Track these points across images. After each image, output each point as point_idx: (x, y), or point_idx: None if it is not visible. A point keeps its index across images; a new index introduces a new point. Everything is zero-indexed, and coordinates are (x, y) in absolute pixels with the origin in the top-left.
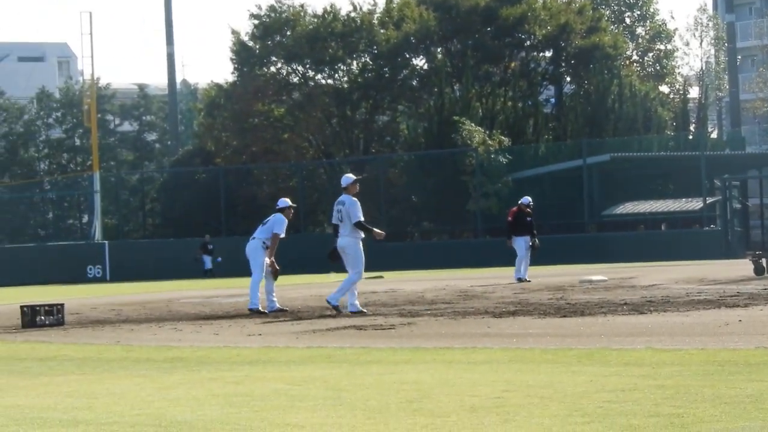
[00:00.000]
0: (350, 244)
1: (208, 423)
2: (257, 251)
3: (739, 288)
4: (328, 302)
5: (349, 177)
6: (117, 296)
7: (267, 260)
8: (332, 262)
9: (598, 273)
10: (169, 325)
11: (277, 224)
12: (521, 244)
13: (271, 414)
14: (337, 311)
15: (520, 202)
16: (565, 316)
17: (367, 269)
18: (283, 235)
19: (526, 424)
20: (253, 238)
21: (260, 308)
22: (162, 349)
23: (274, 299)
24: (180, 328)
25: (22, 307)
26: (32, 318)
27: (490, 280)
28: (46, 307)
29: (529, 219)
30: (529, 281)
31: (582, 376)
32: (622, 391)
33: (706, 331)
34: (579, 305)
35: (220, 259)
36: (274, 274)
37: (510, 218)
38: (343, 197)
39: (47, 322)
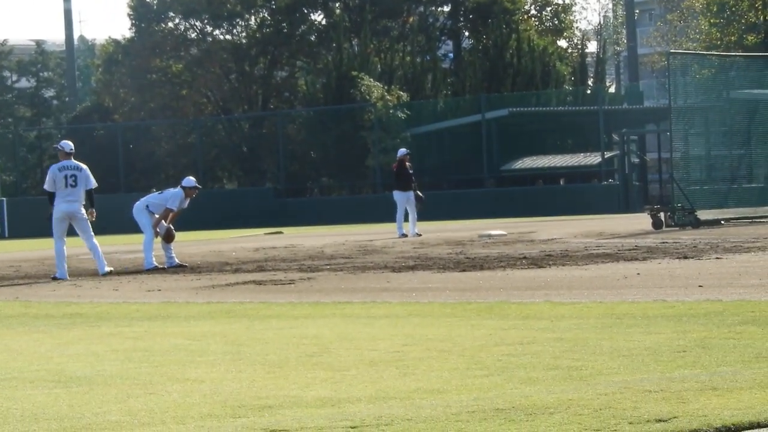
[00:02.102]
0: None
1: (107, 378)
2: (141, 213)
3: (637, 242)
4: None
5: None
6: (15, 253)
7: (154, 227)
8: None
9: (497, 228)
10: (68, 281)
11: (172, 199)
12: (402, 199)
13: (170, 369)
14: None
15: (398, 156)
16: (464, 271)
17: (265, 225)
18: (175, 210)
19: (425, 377)
20: (140, 200)
21: (157, 265)
22: (61, 305)
23: (173, 255)
24: (79, 284)
25: None
26: None
27: (389, 235)
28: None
29: (411, 172)
30: (420, 235)
31: (481, 329)
32: (521, 344)
33: (604, 285)
34: (478, 259)
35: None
36: (169, 238)
37: (395, 172)
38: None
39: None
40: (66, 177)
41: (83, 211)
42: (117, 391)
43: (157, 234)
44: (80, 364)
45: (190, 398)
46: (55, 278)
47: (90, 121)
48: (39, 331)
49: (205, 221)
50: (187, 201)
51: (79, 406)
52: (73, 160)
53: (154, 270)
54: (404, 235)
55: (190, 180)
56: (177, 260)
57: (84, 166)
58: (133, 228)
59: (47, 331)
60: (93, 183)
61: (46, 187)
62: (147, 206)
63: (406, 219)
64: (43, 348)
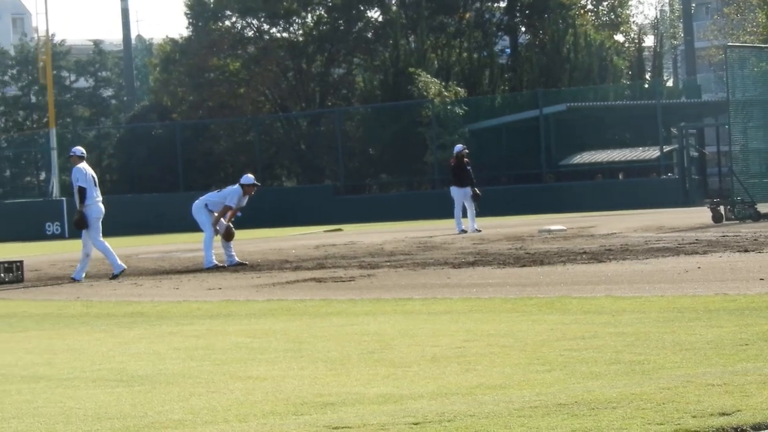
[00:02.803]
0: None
1: (169, 377)
2: (200, 212)
3: (697, 235)
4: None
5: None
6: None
7: (218, 225)
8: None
9: (556, 223)
10: (129, 280)
11: (231, 197)
12: (459, 195)
13: (232, 367)
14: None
15: (455, 152)
16: (524, 266)
17: (325, 223)
18: (234, 208)
19: (487, 372)
20: (199, 199)
21: (217, 263)
22: (122, 304)
23: (233, 253)
24: (140, 283)
25: None
26: None
27: (448, 231)
28: (5, 265)
29: (468, 168)
30: (480, 231)
31: (542, 324)
32: (583, 339)
33: (665, 279)
34: (538, 255)
35: None
36: (229, 236)
37: (452, 168)
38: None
39: (6, 279)
40: (94, 179)
41: None
42: (179, 389)
43: (216, 232)
44: (142, 363)
45: (252, 396)
46: (115, 276)
47: (148, 120)
48: (100, 331)
49: (265, 219)
50: (246, 198)
51: (142, 405)
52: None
53: (214, 268)
54: (463, 231)
55: (249, 177)
56: (237, 258)
57: None
58: (193, 226)
59: (109, 330)
60: None
61: (82, 184)
62: (206, 205)
63: (465, 215)
64: (105, 347)
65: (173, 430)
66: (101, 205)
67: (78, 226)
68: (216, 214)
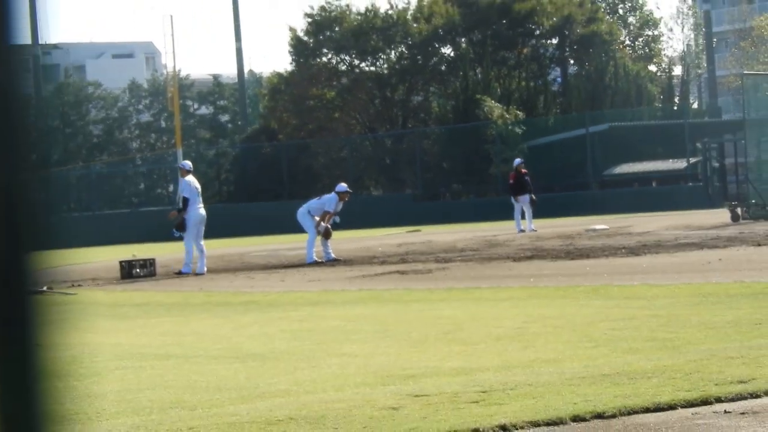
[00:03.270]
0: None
1: (278, 354)
2: (304, 217)
3: (718, 233)
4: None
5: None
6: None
7: (319, 227)
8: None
9: (600, 223)
10: (243, 274)
11: (329, 203)
12: (522, 201)
13: (330, 346)
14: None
15: (515, 165)
16: (573, 259)
17: (406, 225)
18: (332, 212)
19: (543, 349)
20: (303, 206)
21: (317, 259)
22: (237, 294)
23: (330, 251)
24: (252, 277)
25: (120, 262)
26: (129, 271)
27: (510, 231)
28: (141, 262)
29: (527, 178)
30: (536, 231)
31: (589, 308)
32: (623, 320)
33: (692, 269)
34: (585, 250)
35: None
36: (327, 235)
37: (512, 181)
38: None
39: (142, 274)
40: (197, 189)
41: None
42: (285, 364)
43: (318, 233)
44: (254, 343)
45: (347, 370)
46: (179, 273)
47: (258, 140)
48: (219, 317)
49: (356, 222)
50: (341, 204)
51: (254, 377)
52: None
53: (314, 264)
54: (522, 231)
55: (343, 186)
56: (333, 255)
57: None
58: (296, 229)
59: (226, 316)
60: None
61: (186, 194)
62: (309, 211)
63: (524, 217)
64: (224, 330)
65: (280, 399)
66: (202, 212)
67: (179, 229)
68: (317, 218)
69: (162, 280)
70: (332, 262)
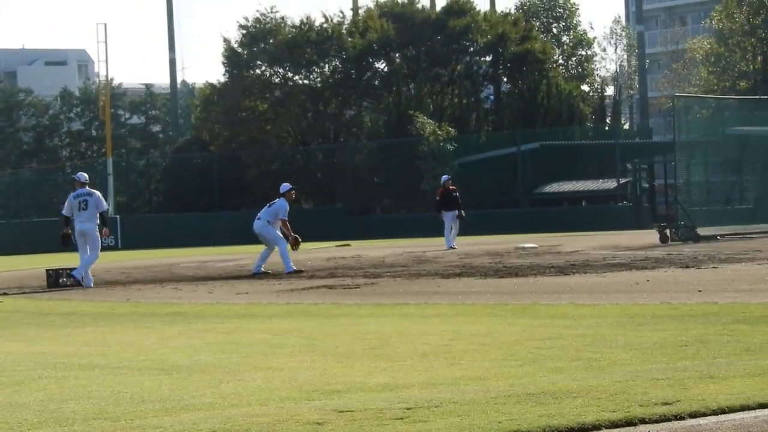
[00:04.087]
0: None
1: (203, 366)
2: (266, 228)
3: (647, 254)
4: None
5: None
6: (127, 261)
7: (289, 236)
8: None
9: (530, 241)
10: (171, 285)
11: (282, 211)
12: (449, 218)
13: (256, 359)
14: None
15: (442, 181)
16: (502, 277)
17: (336, 239)
18: (285, 218)
19: (469, 366)
20: (259, 218)
21: (296, 268)
22: (164, 305)
23: (262, 264)
24: (180, 288)
25: (47, 270)
26: (56, 279)
27: (439, 247)
28: (68, 270)
29: (455, 195)
30: (455, 248)
31: (516, 327)
32: (550, 339)
33: (619, 290)
34: (514, 268)
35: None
36: (295, 245)
37: (438, 197)
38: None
39: (68, 283)
40: (79, 203)
41: (95, 229)
42: (211, 377)
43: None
44: (180, 355)
45: (272, 384)
46: (79, 282)
47: (190, 151)
48: (146, 327)
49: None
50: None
51: (179, 390)
52: (87, 188)
53: (295, 273)
54: (452, 248)
55: (286, 185)
56: (263, 269)
57: (96, 192)
58: (226, 241)
59: (153, 326)
60: (104, 206)
61: (63, 212)
62: (268, 221)
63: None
64: (149, 341)
65: (205, 411)
66: (78, 225)
67: (64, 244)
68: (279, 228)
69: (89, 289)
70: (260, 276)
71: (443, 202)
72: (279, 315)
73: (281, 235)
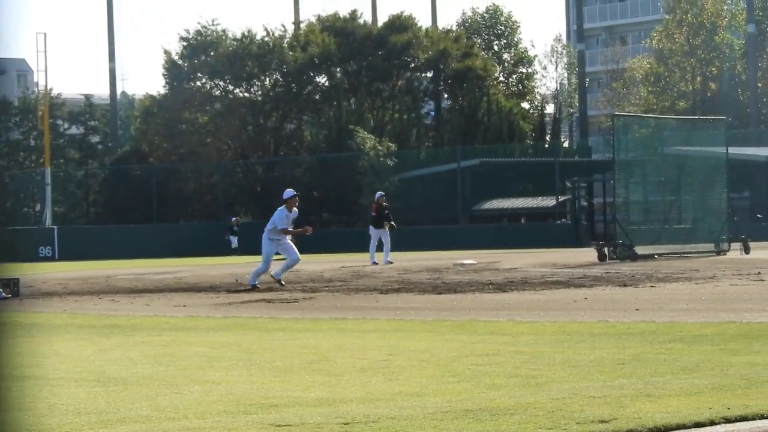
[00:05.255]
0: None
1: (140, 379)
2: (265, 242)
3: (585, 272)
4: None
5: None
6: (64, 273)
7: (291, 237)
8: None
9: (468, 258)
10: (108, 297)
11: (278, 220)
12: (375, 234)
13: (193, 372)
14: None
15: (376, 197)
16: (440, 293)
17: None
18: (282, 226)
19: (407, 382)
20: (264, 232)
21: (258, 285)
22: (101, 317)
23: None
24: (117, 300)
25: None
26: None
27: (378, 263)
28: (4, 281)
29: (386, 212)
30: (392, 263)
31: (454, 343)
32: (488, 355)
33: (557, 307)
34: (452, 284)
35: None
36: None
37: (374, 213)
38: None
39: (4, 294)
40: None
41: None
42: (147, 390)
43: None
44: (117, 367)
45: (209, 397)
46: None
47: (129, 163)
48: (82, 339)
49: (224, 249)
50: (294, 211)
51: (115, 402)
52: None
53: (254, 288)
54: (375, 263)
55: (289, 191)
56: (257, 282)
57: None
58: (165, 253)
59: (89, 338)
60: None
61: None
62: (269, 238)
63: (381, 249)
64: (86, 353)
65: (141, 424)
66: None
67: None
68: (291, 234)
69: (26, 300)
70: (253, 288)
71: (377, 217)
72: (217, 328)
73: (291, 244)
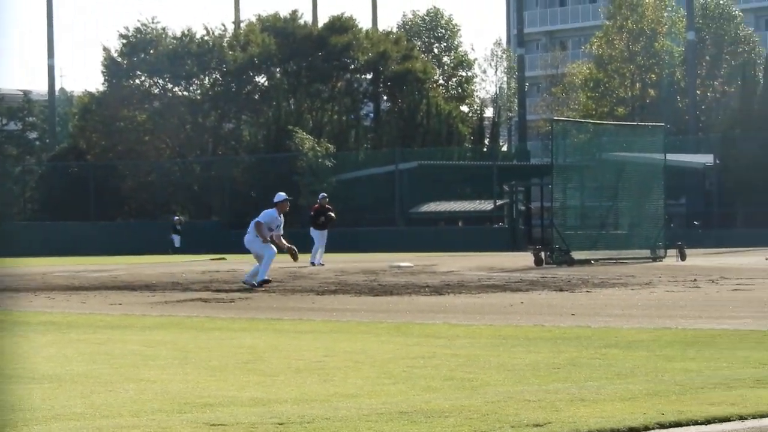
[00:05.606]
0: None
1: (75, 376)
2: (254, 243)
3: (521, 276)
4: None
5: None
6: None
7: (284, 248)
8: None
9: (405, 260)
10: (44, 294)
11: (262, 215)
12: (318, 235)
13: (128, 370)
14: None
15: (319, 199)
16: (377, 295)
17: (212, 252)
18: (275, 230)
19: (342, 383)
20: (248, 232)
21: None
22: (37, 314)
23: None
24: (53, 297)
25: None
26: None
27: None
28: None
29: (329, 214)
30: (323, 265)
31: (390, 345)
32: (423, 358)
33: (493, 311)
34: (389, 286)
35: None
36: (295, 257)
37: (312, 213)
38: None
39: None
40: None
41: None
42: (82, 387)
43: (290, 254)
44: (52, 365)
45: (144, 396)
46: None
47: (66, 160)
48: (17, 336)
49: (160, 247)
50: (281, 216)
51: (50, 399)
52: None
53: (266, 283)
54: (321, 264)
55: (281, 195)
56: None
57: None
58: (102, 250)
59: (24, 335)
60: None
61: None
62: (255, 234)
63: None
64: (21, 350)
65: (75, 422)
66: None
67: None
68: (259, 234)
69: None
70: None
71: (316, 218)
72: (152, 327)
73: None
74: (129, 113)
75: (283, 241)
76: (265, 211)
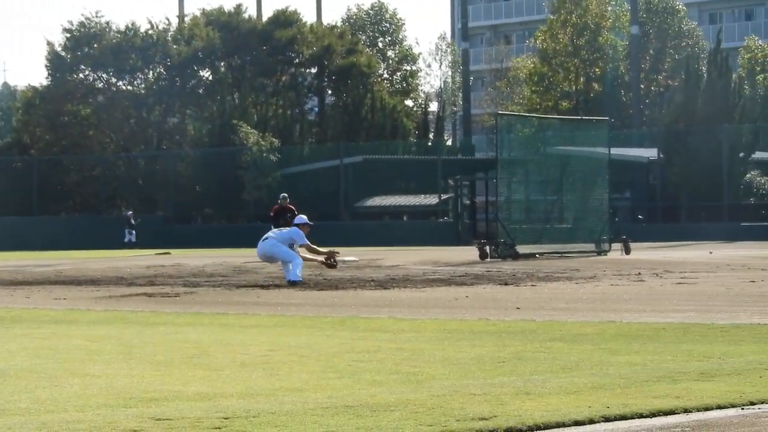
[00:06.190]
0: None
1: (19, 371)
2: (277, 247)
3: (466, 270)
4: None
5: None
6: None
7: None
8: None
9: (350, 254)
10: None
11: (298, 238)
12: None
13: (73, 365)
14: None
15: (279, 199)
16: (322, 290)
17: (156, 247)
18: (304, 243)
19: (288, 378)
20: (266, 238)
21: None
22: None
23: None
24: None
25: None
26: None
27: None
28: None
29: (289, 214)
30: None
31: (335, 339)
32: (368, 352)
33: (438, 305)
34: (334, 280)
35: None
36: (334, 261)
37: (272, 213)
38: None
39: None
40: None
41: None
42: (27, 382)
43: (330, 265)
44: None
45: (89, 390)
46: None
47: (10, 154)
48: None
49: (104, 242)
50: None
51: None
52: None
53: (299, 283)
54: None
55: (302, 218)
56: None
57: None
58: (46, 245)
59: None
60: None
61: None
62: (279, 242)
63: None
64: None
65: (20, 417)
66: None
67: None
68: (312, 254)
69: None
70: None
71: (277, 219)
72: (97, 321)
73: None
74: (73, 107)
75: (317, 250)
76: (296, 232)
